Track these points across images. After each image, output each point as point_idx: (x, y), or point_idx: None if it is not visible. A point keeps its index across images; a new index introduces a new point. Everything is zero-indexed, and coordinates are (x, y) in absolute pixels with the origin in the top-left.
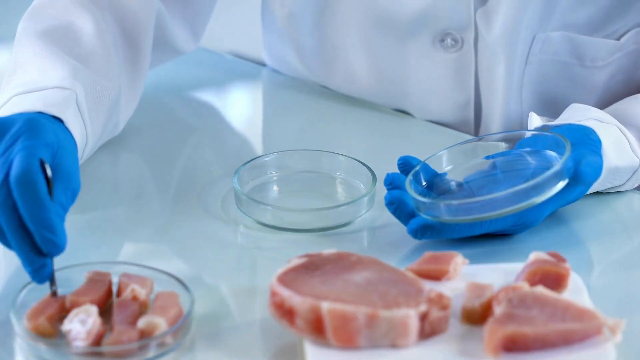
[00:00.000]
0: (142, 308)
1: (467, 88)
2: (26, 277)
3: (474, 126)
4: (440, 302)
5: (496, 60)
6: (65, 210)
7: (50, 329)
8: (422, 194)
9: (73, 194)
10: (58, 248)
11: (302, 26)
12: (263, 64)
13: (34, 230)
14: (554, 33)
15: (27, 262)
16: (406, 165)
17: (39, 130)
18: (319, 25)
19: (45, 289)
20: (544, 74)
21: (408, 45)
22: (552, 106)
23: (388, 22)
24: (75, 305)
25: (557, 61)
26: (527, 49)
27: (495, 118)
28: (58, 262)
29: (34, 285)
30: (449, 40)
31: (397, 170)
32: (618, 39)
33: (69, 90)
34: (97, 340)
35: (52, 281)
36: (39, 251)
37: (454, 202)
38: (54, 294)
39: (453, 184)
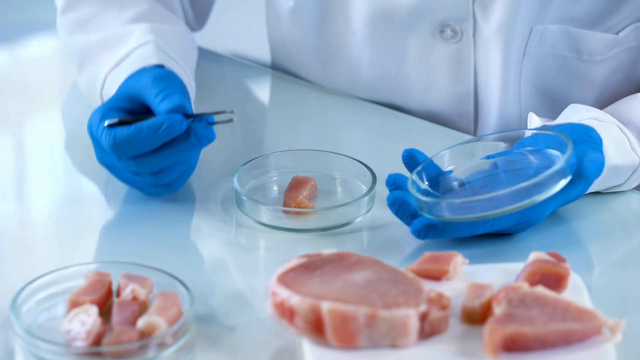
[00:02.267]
0: (142, 308)
1: (467, 80)
2: (26, 277)
3: (474, 118)
4: (440, 302)
5: (493, 51)
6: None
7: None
8: (424, 194)
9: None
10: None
11: (305, 20)
12: (264, 65)
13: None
14: (551, 26)
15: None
16: (410, 158)
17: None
18: (322, 19)
19: (42, 291)
20: (542, 67)
21: (408, 36)
22: (550, 101)
23: (389, 14)
24: (75, 305)
25: (555, 55)
26: (524, 41)
27: (492, 110)
28: (58, 262)
29: (34, 285)
30: (448, 32)
31: (397, 170)
32: (617, 34)
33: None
34: (97, 340)
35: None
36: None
37: (457, 200)
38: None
39: (455, 183)
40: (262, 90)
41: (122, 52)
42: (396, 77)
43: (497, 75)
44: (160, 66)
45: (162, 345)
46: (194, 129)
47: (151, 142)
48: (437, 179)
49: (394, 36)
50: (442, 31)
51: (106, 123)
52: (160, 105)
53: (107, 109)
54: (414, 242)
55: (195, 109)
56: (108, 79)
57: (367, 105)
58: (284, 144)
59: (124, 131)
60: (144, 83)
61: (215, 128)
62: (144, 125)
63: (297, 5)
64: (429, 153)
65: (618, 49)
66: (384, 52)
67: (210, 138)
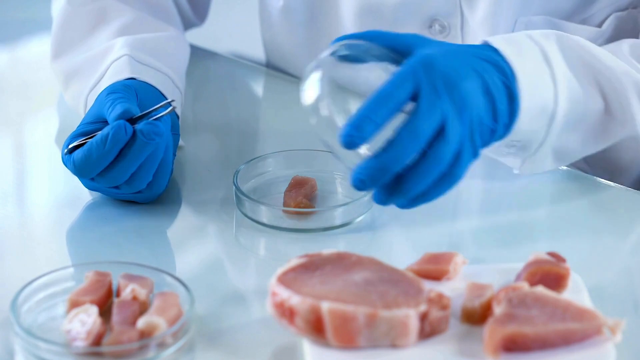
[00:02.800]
0: (142, 308)
1: None
2: (26, 277)
3: None
4: (440, 302)
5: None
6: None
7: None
8: None
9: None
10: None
11: (295, 18)
12: (263, 64)
13: None
14: (536, 17)
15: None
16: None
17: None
18: (312, 17)
19: (42, 291)
20: None
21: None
22: None
23: (378, 10)
24: (75, 305)
25: None
26: (509, 32)
27: None
28: (58, 262)
29: (34, 285)
30: (436, 27)
31: None
32: (599, 26)
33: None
34: (97, 340)
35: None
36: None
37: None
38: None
39: None
40: (262, 89)
41: (100, 71)
42: None
43: None
44: (133, 79)
45: (162, 345)
46: (139, 129)
47: (105, 155)
48: None
49: None
50: (430, 26)
51: (66, 150)
52: (109, 116)
53: (72, 136)
54: (414, 242)
55: (193, 108)
56: (89, 100)
57: None
58: (284, 144)
59: (79, 153)
60: (100, 100)
61: (215, 128)
62: (93, 142)
63: (287, 4)
64: None
65: (601, 40)
66: None
67: (157, 132)
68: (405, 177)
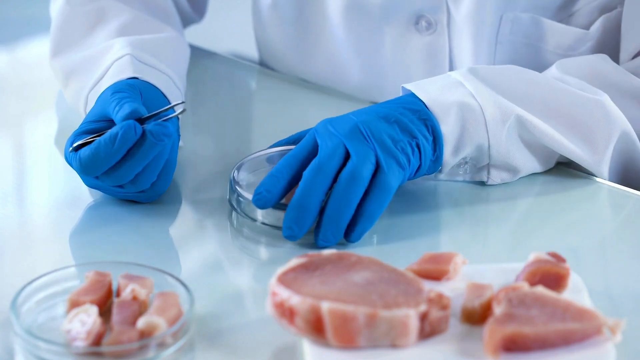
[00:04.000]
0: (142, 308)
1: (442, 72)
2: (26, 277)
3: None
4: (440, 302)
5: (464, 40)
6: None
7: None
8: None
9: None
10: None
11: (284, 14)
12: (262, 64)
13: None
14: (523, 14)
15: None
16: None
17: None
18: (300, 13)
19: (42, 291)
20: (516, 56)
21: (384, 29)
22: None
23: (364, 7)
24: (75, 305)
25: (528, 44)
26: (495, 28)
27: None
28: (58, 262)
29: (34, 285)
30: (422, 23)
31: None
32: (587, 28)
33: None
34: (97, 340)
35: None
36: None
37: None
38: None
39: None
40: (262, 89)
41: (101, 69)
42: (374, 71)
43: (471, 63)
44: (135, 78)
45: (162, 345)
46: (149, 130)
47: (113, 154)
48: None
49: (369, 30)
50: (416, 23)
51: (70, 148)
52: (117, 116)
53: (76, 134)
54: (414, 243)
55: (191, 108)
56: (90, 98)
57: (362, 103)
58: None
59: (86, 151)
60: (105, 98)
61: (215, 128)
62: (102, 140)
63: (276, 0)
64: None
65: (591, 43)
66: (362, 46)
67: (167, 133)
68: (329, 207)
